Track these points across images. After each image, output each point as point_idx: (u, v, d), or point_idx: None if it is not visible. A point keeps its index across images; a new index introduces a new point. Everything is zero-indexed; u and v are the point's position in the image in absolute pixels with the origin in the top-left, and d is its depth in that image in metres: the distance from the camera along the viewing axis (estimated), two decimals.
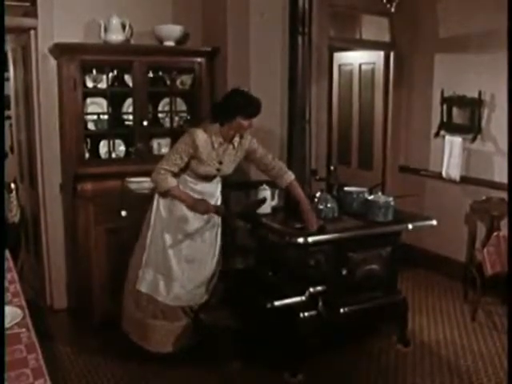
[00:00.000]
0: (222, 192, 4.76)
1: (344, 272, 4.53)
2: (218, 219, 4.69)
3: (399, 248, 4.89)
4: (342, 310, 4.56)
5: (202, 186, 4.54)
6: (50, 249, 5.60)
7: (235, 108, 4.38)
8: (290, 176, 4.66)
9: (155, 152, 5.61)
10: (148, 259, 4.57)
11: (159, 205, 4.56)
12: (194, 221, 4.56)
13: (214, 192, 4.65)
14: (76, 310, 5.48)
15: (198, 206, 4.43)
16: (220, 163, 4.50)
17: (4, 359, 2.28)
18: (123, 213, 5.04)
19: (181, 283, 4.56)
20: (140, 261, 4.60)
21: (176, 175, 4.46)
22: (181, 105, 5.75)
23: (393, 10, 5.67)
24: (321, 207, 4.72)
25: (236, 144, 4.56)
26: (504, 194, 5.69)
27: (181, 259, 4.56)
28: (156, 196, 4.58)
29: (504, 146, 5.86)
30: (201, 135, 4.38)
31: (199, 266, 4.63)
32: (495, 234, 5.28)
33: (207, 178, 4.56)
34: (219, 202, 4.69)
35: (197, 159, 4.40)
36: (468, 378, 4.44)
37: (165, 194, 4.47)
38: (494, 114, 6.05)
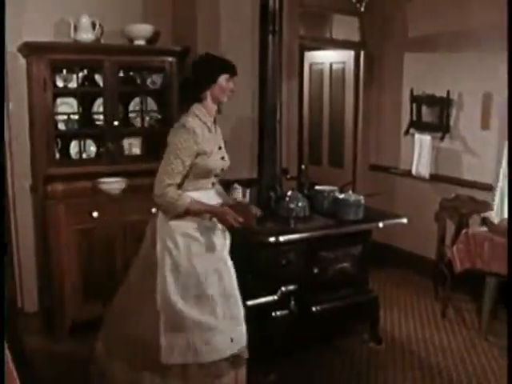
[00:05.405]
0: None
1: (316, 271, 4.56)
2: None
3: (370, 246, 4.94)
4: (314, 309, 4.59)
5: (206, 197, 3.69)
6: (21, 251, 5.54)
7: (216, 67, 3.69)
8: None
9: (126, 152, 5.60)
10: (168, 322, 3.55)
11: (169, 251, 3.58)
12: (219, 246, 3.78)
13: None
14: (47, 312, 5.41)
15: (226, 213, 3.60)
16: (220, 148, 3.77)
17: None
18: (95, 214, 5.01)
19: (220, 328, 3.64)
20: (147, 325, 3.59)
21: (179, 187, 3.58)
22: (151, 104, 5.73)
23: (362, 9, 5.74)
24: (292, 206, 4.72)
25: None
26: (472, 192, 5.78)
27: (215, 305, 3.64)
28: (160, 235, 3.62)
29: (472, 144, 5.97)
30: (193, 121, 3.59)
31: (235, 297, 3.80)
32: (464, 231, 5.34)
33: (207, 184, 3.74)
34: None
35: (201, 155, 3.57)
36: (438, 374, 4.51)
37: (179, 216, 3.56)
38: (462, 112, 6.12)
